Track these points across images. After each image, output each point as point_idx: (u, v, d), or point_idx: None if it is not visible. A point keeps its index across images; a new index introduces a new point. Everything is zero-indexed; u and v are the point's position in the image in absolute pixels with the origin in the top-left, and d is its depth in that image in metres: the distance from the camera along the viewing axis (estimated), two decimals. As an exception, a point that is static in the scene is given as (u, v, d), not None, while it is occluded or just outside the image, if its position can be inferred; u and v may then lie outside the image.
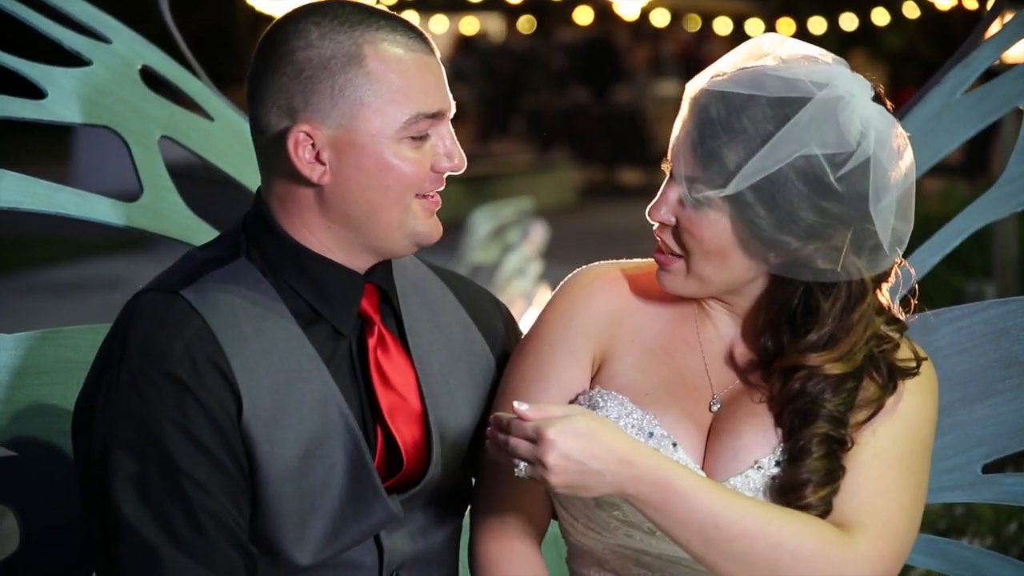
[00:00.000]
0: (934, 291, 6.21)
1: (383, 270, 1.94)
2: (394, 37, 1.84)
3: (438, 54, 1.89)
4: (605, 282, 1.99)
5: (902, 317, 1.90)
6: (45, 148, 12.64)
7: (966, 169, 12.46)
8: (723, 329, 1.94)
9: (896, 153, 1.83)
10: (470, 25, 22.76)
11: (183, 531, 1.74)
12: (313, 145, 1.83)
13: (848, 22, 22.22)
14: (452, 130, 1.89)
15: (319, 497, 1.83)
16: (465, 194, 12.62)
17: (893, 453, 1.85)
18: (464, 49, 21.21)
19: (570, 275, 2.02)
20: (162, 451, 1.75)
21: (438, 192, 1.89)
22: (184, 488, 1.75)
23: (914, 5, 19.68)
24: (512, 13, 21.09)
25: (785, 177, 1.79)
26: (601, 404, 1.90)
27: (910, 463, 1.86)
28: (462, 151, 1.89)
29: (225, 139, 2.49)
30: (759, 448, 1.85)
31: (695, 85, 1.87)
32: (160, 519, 1.74)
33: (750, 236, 1.83)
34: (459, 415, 1.98)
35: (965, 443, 2.15)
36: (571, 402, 1.94)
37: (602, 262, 2.03)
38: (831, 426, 1.83)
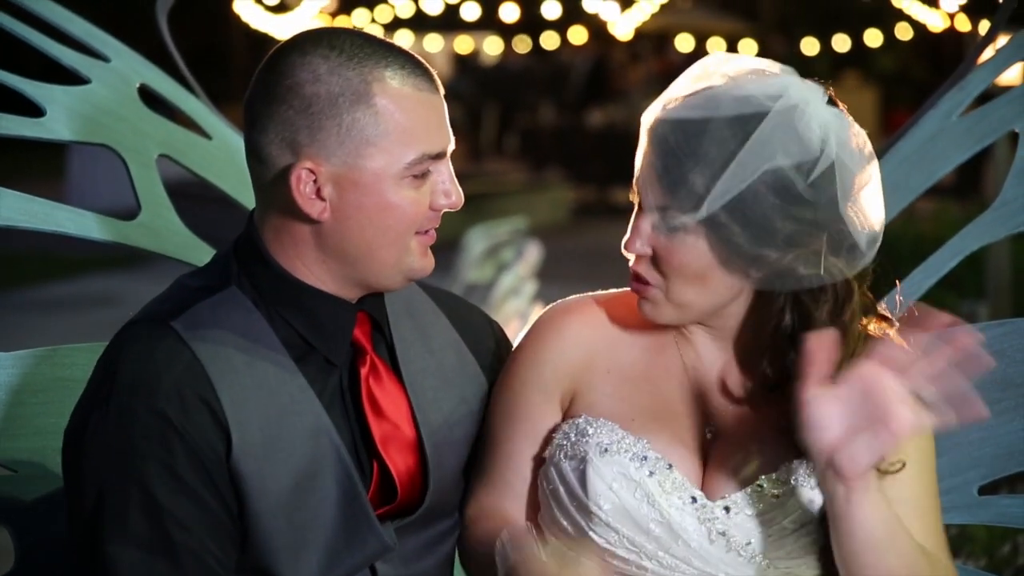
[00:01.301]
0: (927, 312, 6.19)
1: (374, 298, 1.93)
2: (403, 75, 1.83)
3: (442, 91, 1.88)
4: (576, 315, 1.98)
5: (888, 315, 1.91)
6: (41, 166, 12.65)
7: (958, 190, 12.50)
8: (707, 354, 1.94)
9: (858, 152, 1.84)
10: (465, 44, 22.81)
11: (164, 571, 1.73)
12: (315, 181, 1.81)
13: (841, 43, 22.29)
14: (451, 167, 1.88)
15: (312, 530, 1.82)
16: (459, 213, 12.59)
17: (909, 493, 1.87)
18: (459, 68, 21.26)
19: (543, 310, 2.02)
20: (145, 489, 1.74)
21: (434, 228, 1.89)
22: (166, 527, 1.74)
23: (907, 27, 19.74)
24: (507, 32, 21.13)
25: (755, 192, 1.80)
26: (591, 431, 1.89)
27: (926, 496, 1.89)
28: (460, 188, 1.88)
29: (223, 158, 2.49)
30: (762, 467, 1.86)
31: (650, 116, 1.87)
32: (142, 559, 1.73)
33: (729, 254, 1.83)
34: (454, 441, 1.97)
35: (961, 464, 2.16)
36: (552, 432, 1.94)
37: (576, 296, 2.03)
38: None
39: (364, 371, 1.89)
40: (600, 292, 2.03)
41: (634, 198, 1.90)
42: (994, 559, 3.93)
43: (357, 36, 1.85)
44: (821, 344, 1.73)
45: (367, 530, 1.84)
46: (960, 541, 4.02)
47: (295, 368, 1.84)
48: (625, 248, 1.89)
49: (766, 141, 1.79)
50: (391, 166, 1.81)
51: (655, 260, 1.87)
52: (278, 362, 1.83)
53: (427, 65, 1.88)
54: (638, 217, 1.88)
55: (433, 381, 1.97)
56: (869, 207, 1.86)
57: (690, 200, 1.81)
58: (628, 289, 1.98)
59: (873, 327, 1.88)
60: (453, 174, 1.88)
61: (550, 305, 2.03)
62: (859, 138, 1.86)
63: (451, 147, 1.88)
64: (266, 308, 1.86)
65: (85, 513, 1.76)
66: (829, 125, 1.82)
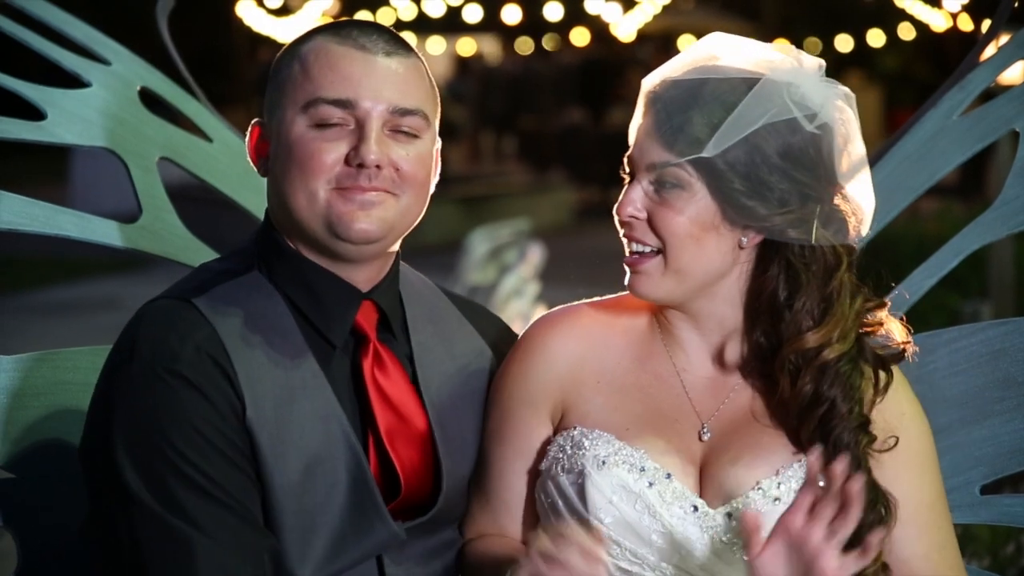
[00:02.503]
0: (930, 312, 6.21)
1: (387, 291, 1.94)
2: (345, 32, 1.87)
3: (402, 59, 1.87)
4: (561, 328, 1.98)
5: (878, 299, 1.92)
6: (45, 169, 12.65)
7: (961, 190, 12.49)
8: (696, 355, 1.94)
9: (850, 126, 1.89)
10: (467, 46, 22.81)
11: (202, 520, 1.75)
12: (263, 138, 1.91)
13: (843, 43, 22.28)
14: (380, 128, 1.85)
15: (320, 514, 1.83)
16: (462, 215, 12.65)
17: (932, 497, 1.90)
18: (461, 70, 21.25)
19: (531, 323, 2.02)
20: (174, 447, 1.76)
21: (376, 190, 1.85)
22: (197, 481, 1.76)
23: (909, 27, 19.73)
24: (509, 34, 21.13)
25: (757, 144, 1.83)
26: (587, 444, 1.89)
27: (942, 499, 1.91)
28: (379, 151, 1.84)
29: (224, 160, 2.49)
30: (761, 469, 1.85)
31: (649, 82, 1.91)
32: (179, 511, 1.75)
33: (726, 208, 1.85)
34: (469, 447, 1.98)
35: (963, 464, 2.15)
36: (545, 445, 1.94)
37: (561, 307, 2.03)
38: (855, 436, 1.84)
39: (367, 359, 1.90)
40: (586, 300, 2.03)
41: (624, 174, 1.91)
42: (998, 559, 3.92)
43: (349, 20, 1.90)
44: (755, 519, 1.75)
45: (375, 518, 1.85)
46: (963, 541, 4.01)
47: (309, 353, 1.87)
48: (618, 212, 1.90)
49: (769, 92, 1.84)
50: (292, 110, 1.86)
51: (652, 223, 1.88)
52: (294, 345, 1.86)
53: (393, 35, 1.89)
54: (630, 186, 1.90)
55: (452, 387, 1.98)
56: (859, 194, 1.90)
57: (692, 145, 1.83)
58: (616, 295, 1.99)
59: (859, 304, 1.88)
60: (376, 136, 1.85)
61: (537, 318, 2.02)
62: (852, 121, 1.90)
63: (373, 105, 1.84)
64: (282, 292, 1.89)
65: (115, 478, 1.77)
66: (825, 94, 1.88)
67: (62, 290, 10.64)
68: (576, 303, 2.02)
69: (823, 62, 1.92)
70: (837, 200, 1.88)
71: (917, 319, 2.01)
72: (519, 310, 6.86)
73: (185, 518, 1.75)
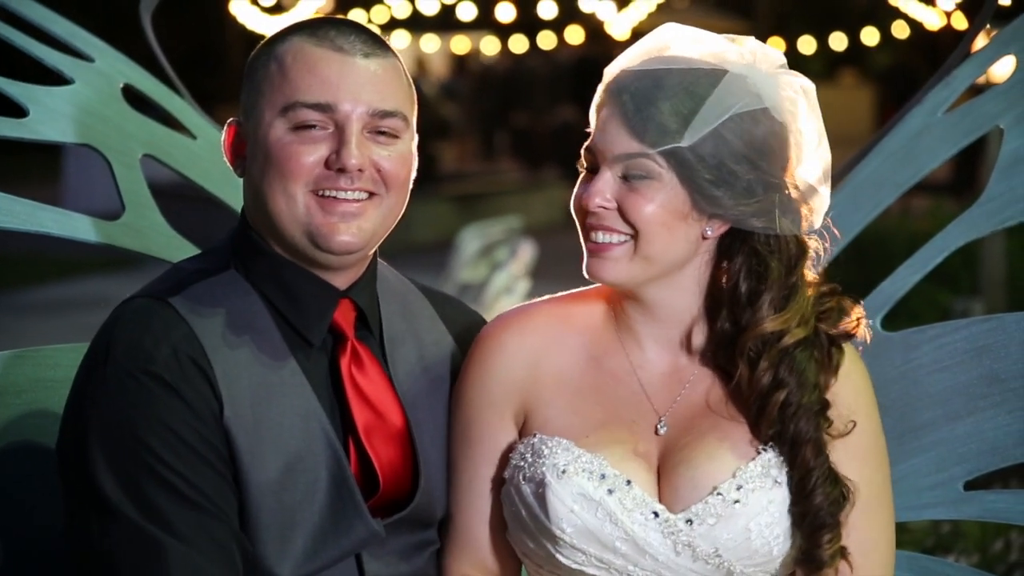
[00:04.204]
0: (921, 308, 6.22)
1: (364, 289, 1.94)
2: (323, 33, 1.86)
3: (380, 60, 1.87)
4: (518, 330, 1.97)
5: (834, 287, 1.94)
6: (35, 168, 12.63)
7: (953, 187, 12.48)
8: (653, 350, 1.94)
9: (805, 117, 1.90)
10: (461, 44, 22.81)
11: (177, 524, 1.74)
12: (240, 138, 1.89)
13: (838, 42, 22.30)
14: (359, 131, 1.84)
15: (300, 512, 1.83)
16: (455, 213, 12.65)
17: (866, 496, 1.88)
18: (456, 68, 21.24)
19: (485, 326, 2.01)
20: (149, 449, 1.76)
21: (357, 191, 1.84)
22: (172, 483, 1.75)
23: (904, 25, 19.73)
24: (504, 32, 21.13)
25: (723, 137, 1.83)
26: (547, 452, 1.88)
27: (880, 500, 1.90)
28: (363, 154, 1.83)
29: (207, 157, 2.49)
30: (719, 474, 1.85)
31: (611, 72, 1.91)
32: (153, 515, 1.74)
33: (695, 197, 1.85)
34: (444, 442, 1.97)
35: (947, 460, 2.15)
36: (508, 451, 1.93)
37: (519, 305, 2.03)
38: (815, 422, 1.84)
39: (345, 357, 1.90)
40: (540, 299, 2.02)
41: (581, 166, 1.91)
42: (986, 555, 3.93)
43: (323, 19, 1.89)
44: None
45: (355, 515, 1.85)
46: (953, 538, 4.03)
47: (288, 351, 1.86)
48: (584, 203, 1.88)
49: (736, 86, 1.85)
50: (270, 112, 1.85)
51: (622, 213, 1.87)
52: (272, 344, 1.85)
53: (373, 35, 1.88)
54: (596, 175, 1.89)
55: (426, 384, 1.97)
56: (814, 186, 1.90)
57: (663, 135, 1.83)
58: (572, 291, 1.98)
59: (815, 290, 1.89)
60: (356, 139, 1.84)
61: (492, 320, 2.02)
62: (805, 116, 1.90)
63: (352, 108, 1.84)
64: (259, 291, 1.88)
65: (89, 480, 1.76)
66: (782, 89, 1.88)
67: (49, 289, 10.61)
68: (529, 302, 2.02)
69: (782, 55, 1.92)
70: (791, 191, 1.88)
71: (907, 315, 2.02)
72: (509, 307, 6.87)
73: (159, 522, 1.74)
